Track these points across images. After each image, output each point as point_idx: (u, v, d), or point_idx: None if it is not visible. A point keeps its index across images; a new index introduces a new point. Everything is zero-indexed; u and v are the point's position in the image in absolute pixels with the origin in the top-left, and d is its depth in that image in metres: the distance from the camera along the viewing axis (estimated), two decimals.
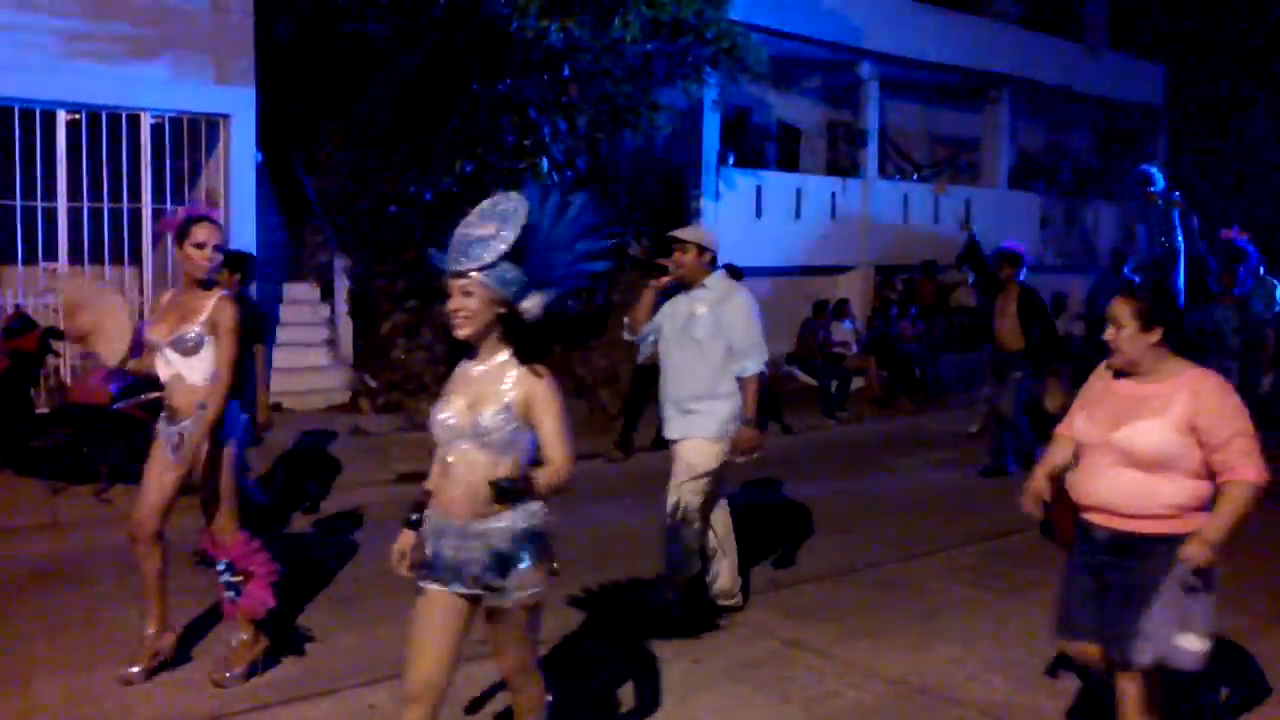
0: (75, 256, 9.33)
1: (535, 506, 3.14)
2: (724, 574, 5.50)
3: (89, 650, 4.86)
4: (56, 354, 7.98)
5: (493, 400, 3.08)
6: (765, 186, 14.34)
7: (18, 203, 9.07)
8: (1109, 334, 3.50)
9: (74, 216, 9.33)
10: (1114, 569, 3.48)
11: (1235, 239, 9.61)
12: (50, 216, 9.21)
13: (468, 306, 3.05)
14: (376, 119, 11.62)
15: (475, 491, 3.08)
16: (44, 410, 7.24)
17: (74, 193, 9.29)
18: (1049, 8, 18.87)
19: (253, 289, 6.57)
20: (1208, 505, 3.40)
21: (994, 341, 9.04)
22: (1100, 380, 3.64)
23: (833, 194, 15.12)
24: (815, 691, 4.63)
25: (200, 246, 4.43)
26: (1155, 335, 3.44)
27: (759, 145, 15.63)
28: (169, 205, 9.90)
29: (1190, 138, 20.53)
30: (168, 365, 4.44)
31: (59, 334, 7.71)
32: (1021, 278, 8.92)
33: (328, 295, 11.08)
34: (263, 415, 5.05)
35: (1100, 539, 3.51)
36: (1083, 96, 18.69)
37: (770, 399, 12.23)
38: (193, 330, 4.40)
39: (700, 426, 5.22)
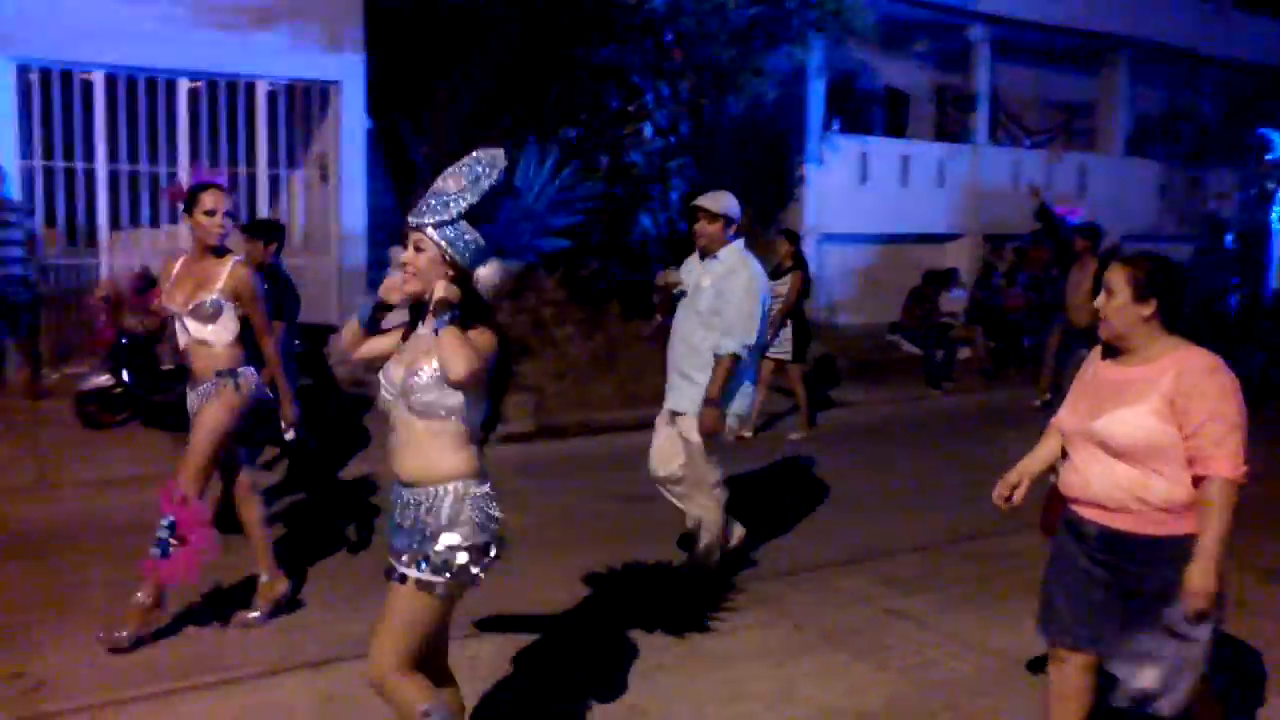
0: None
1: (474, 489, 2.95)
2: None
3: (200, 592, 5.08)
4: None
5: (426, 362, 2.89)
6: (870, 152, 14.11)
7: (144, 168, 9.43)
8: (1099, 300, 3.16)
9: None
10: (1107, 569, 3.17)
11: None
12: (172, 182, 9.55)
13: (415, 262, 2.90)
14: (482, 86, 11.73)
15: (404, 452, 2.95)
16: (169, 366, 7.53)
17: (193, 158, 9.62)
18: None
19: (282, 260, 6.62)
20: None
21: (1065, 314, 8.71)
22: (1091, 367, 3.31)
23: (940, 160, 14.80)
24: (913, 660, 4.61)
25: (210, 214, 4.46)
26: (1148, 308, 3.06)
27: (865, 111, 15.38)
28: (283, 170, 10.20)
29: None
30: (186, 333, 4.49)
31: None
32: (1100, 251, 8.55)
33: None
34: (284, 406, 4.94)
35: (1090, 534, 3.19)
36: (1207, 58, 17.90)
37: (873, 367, 12.11)
38: (210, 297, 4.45)
39: (695, 398, 5.11)
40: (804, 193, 13.50)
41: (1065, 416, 3.31)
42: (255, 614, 4.71)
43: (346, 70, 9.95)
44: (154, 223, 9.51)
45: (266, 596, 4.76)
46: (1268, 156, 10.69)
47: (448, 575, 2.90)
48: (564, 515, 6.68)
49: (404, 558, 2.93)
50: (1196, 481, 3.00)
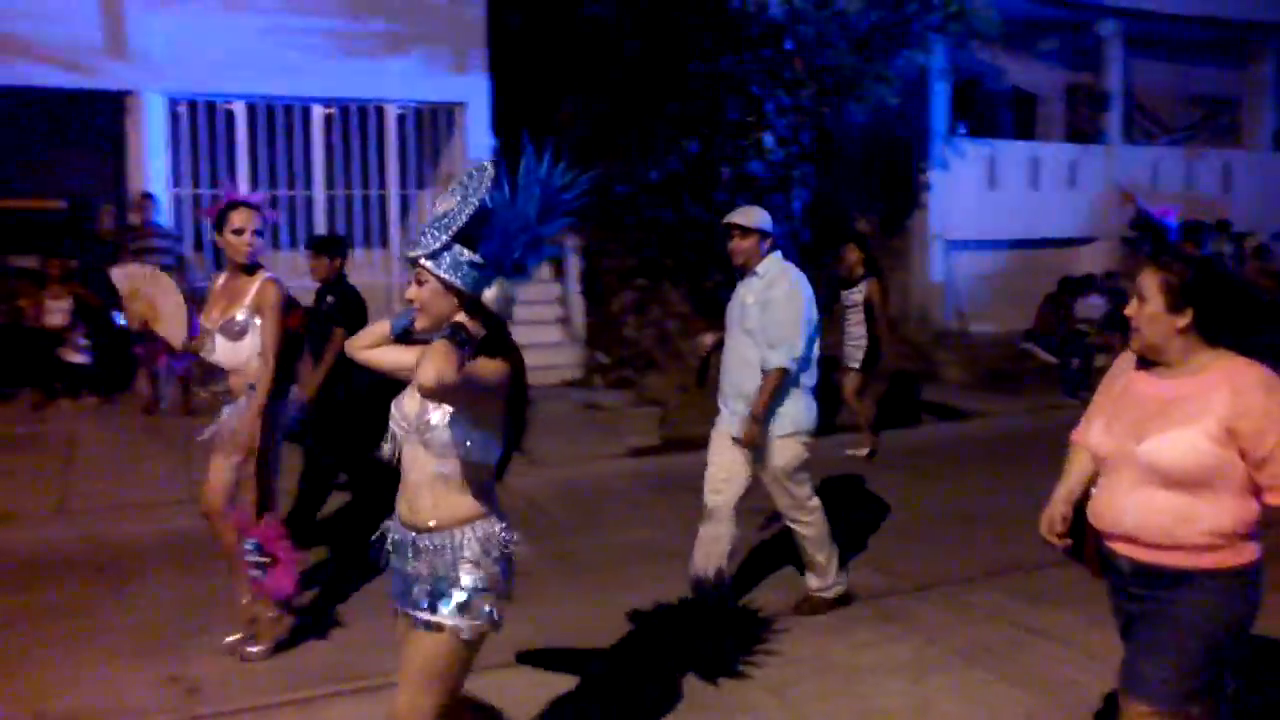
0: None
1: (494, 529, 2.83)
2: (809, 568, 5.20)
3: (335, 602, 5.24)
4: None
5: None
6: (998, 156, 13.77)
7: (282, 192, 9.83)
8: (1130, 309, 2.81)
9: (329, 204, 10.04)
10: (1141, 600, 2.86)
11: None
12: (309, 205, 9.94)
13: (419, 297, 2.76)
14: (603, 101, 11.88)
15: (417, 493, 2.83)
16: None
17: (328, 182, 9.98)
18: None
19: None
20: (1256, 531, 2.74)
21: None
22: (1122, 375, 2.95)
23: (1072, 161, 14.35)
24: (1053, 679, 4.47)
25: (238, 232, 4.48)
26: (1184, 318, 2.73)
27: (992, 113, 15.02)
28: (412, 190, 10.50)
29: None
30: (220, 352, 4.53)
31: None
32: (1207, 250, 8.07)
33: (560, 274, 11.45)
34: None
35: (1123, 569, 2.88)
36: None
37: (1005, 376, 11.80)
38: (240, 314, 4.49)
39: (770, 426, 4.88)
40: (929, 199, 13.25)
41: (1098, 436, 2.91)
42: (258, 648, 4.64)
43: (472, 91, 10.20)
44: (293, 245, 9.90)
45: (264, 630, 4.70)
46: None
47: (474, 620, 2.77)
48: (690, 528, 6.67)
49: (423, 604, 2.79)
50: (1267, 509, 2.72)
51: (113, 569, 5.87)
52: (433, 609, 2.77)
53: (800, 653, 4.67)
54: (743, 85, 10.93)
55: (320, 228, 9.95)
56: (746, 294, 4.97)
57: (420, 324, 2.77)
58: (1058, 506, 3.08)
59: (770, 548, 6.01)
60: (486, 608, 2.79)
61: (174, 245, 9.01)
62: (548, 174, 2.79)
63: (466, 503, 2.80)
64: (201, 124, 9.46)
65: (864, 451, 8.56)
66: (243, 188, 9.63)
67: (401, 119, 10.29)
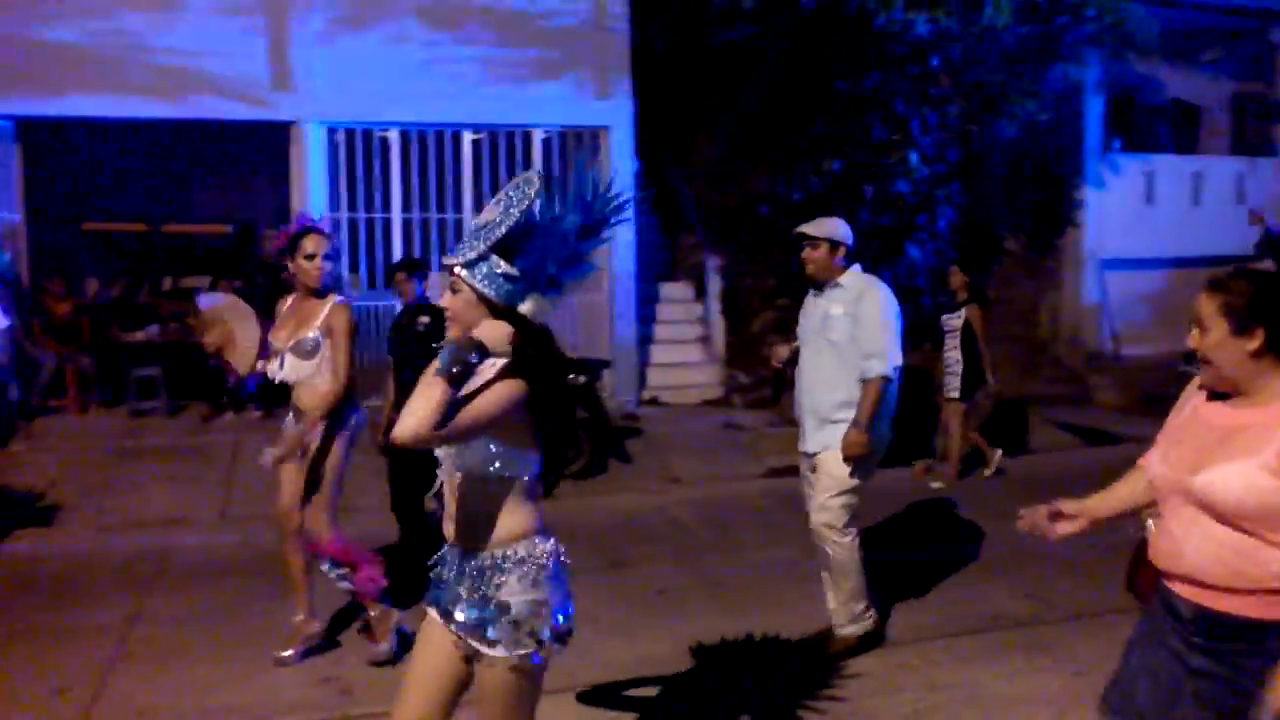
0: None
1: (537, 549, 2.69)
2: (832, 604, 4.94)
3: None
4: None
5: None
6: (1156, 171, 13.23)
7: (433, 216, 10.17)
8: (1192, 339, 2.55)
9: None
10: (1207, 655, 2.52)
11: None
12: (458, 226, 10.26)
13: (453, 306, 2.67)
14: (746, 122, 11.91)
15: (457, 513, 2.73)
16: None
17: (478, 204, 10.28)
18: None
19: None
20: None
21: None
22: (1190, 402, 2.67)
23: (1238, 175, 13.68)
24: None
25: (310, 258, 4.62)
26: (1254, 341, 2.45)
27: (1150, 127, 14.45)
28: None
29: None
30: (288, 369, 4.61)
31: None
32: None
33: (701, 294, 11.51)
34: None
35: (1185, 615, 2.56)
36: None
37: (1162, 399, 11.28)
38: (310, 334, 4.57)
39: (836, 438, 4.72)
40: (1083, 216, 12.82)
41: (1156, 464, 2.65)
42: (289, 653, 4.79)
43: (615, 115, 10.36)
44: (443, 267, 10.24)
45: (299, 636, 4.84)
46: None
47: (522, 648, 2.64)
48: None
49: (472, 629, 2.67)
50: None
51: (270, 572, 6.15)
52: (482, 638, 2.65)
53: (945, 680, 4.57)
54: (887, 104, 10.82)
55: None
56: (830, 305, 4.83)
57: (451, 333, 2.67)
58: (1071, 505, 2.81)
59: (925, 569, 5.90)
60: (533, 632, 2.65)
61: (333, 267, 9.42)
62: (594, 193, 2.71)
63: (505, 522, 2.67)
64: (359, 151, 9.88)
65: (938, 484, 8.27)
66: (395, 211, 10.06)
67: (546, 143, 10.54)
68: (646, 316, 10.94)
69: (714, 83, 11.94)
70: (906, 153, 10.80)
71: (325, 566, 4.63)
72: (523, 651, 2.63)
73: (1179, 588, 2.57)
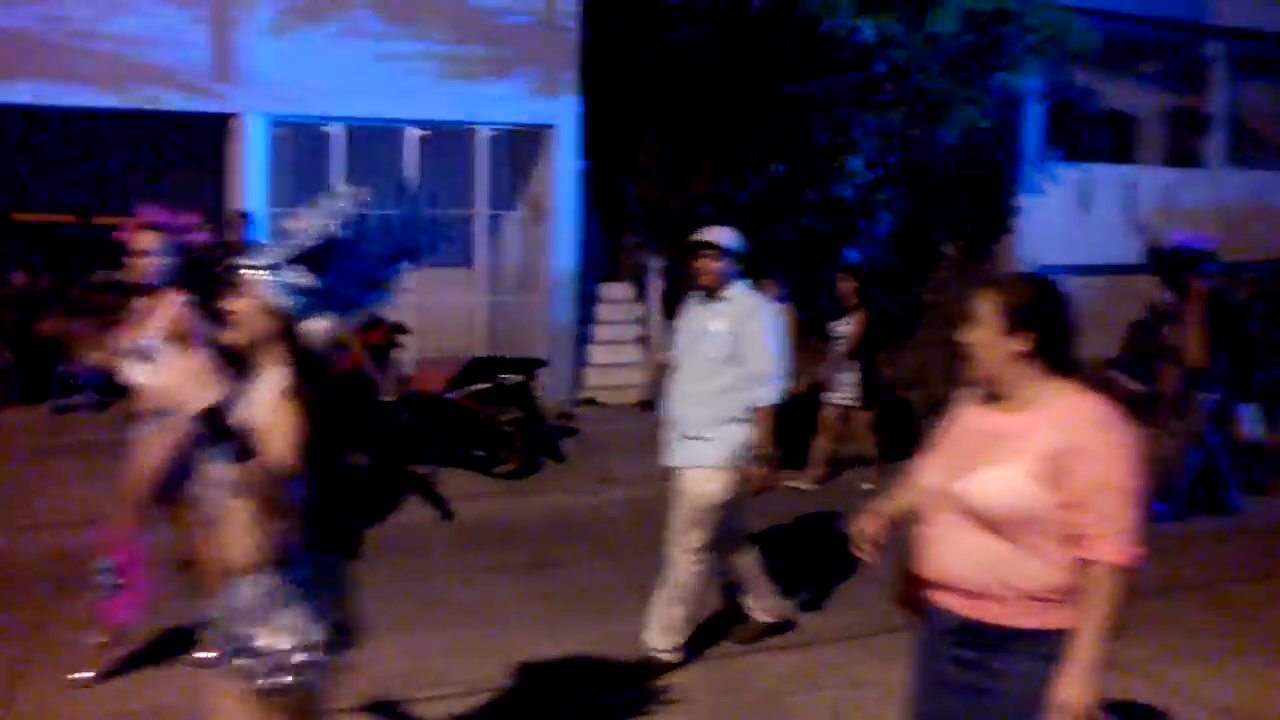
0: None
1: (286, 577, 2.56)
2: (755, 613, 5.00)
3: (417, 610, 5.35)
4: (401, 347, 8.82)
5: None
6: (1092, 180, 13.49)
7: (375, 212, 10.09)
8: (963, 334, 2.53)
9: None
10: (967, 668, 2.49)
11: None
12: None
13: (240, 309, 2.57)
14: (693, 123, 11.97)
15: (221, 538, 2.60)
16: (389, 398, 8.03)
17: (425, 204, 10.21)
18: None
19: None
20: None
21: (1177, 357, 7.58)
22: (963, 408, 2.65)
23: (1171, 185, 13.99)
24: (1131, 712, 4.36)
25: (141, 254, 4.41)
26: (1022, 343, 2.44)
27: (1087, 136, 14.72)
28: (500, 212, 10.71)
29: None
30: (132, 369, 4.33)
31: (403, 329, 8.54)
32: (1208, 278, 7.40)
33: (642, 296, 11.54)
34: None
35: (949, 625, 2.53)
36: None
37: None
38: (147, 337, 4.30)
39: (707, 454, 4.60)
40: (1020, 223, 13.04)
41: (924, 472, 2.62)
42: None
43: (561, 114, 10.36)
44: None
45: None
46: None
47: (273, 676, 2.54)
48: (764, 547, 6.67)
49: (228, 657, 2.60)
50: (1079, 564, 2.39)
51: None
52: (241, 671, 2.57)
53: (867, 677, 4.64)
54: (831, 108, 10.92)
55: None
56: (712, 319, 4.66)
57: (232, 338, 2.59)
58: (869, 520, 2.74)
59: (847, 569, 5.98)
60: (281, 661, 2.54)
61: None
62: (405, 216, 2.67)
63: (256, 546, 2.54)
64: (300, 146, 9.78)
65: (868, 485, 8.03)
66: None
67: (493, 141, 10.51)
68: (586, 317, 10.95)
69: (662, 83, 11.97)
70: (849, 157, 10.91)
71: (104, 564, 4.33)
72: (274, 679, 2.54)
73: (943, 597, 2.53)
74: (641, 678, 4.65)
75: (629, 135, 12.50)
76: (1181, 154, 14.94)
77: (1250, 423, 7.40)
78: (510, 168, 10.77)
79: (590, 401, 10.49)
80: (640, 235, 11.94)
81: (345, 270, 2.61)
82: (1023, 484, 2.38)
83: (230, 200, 9.65)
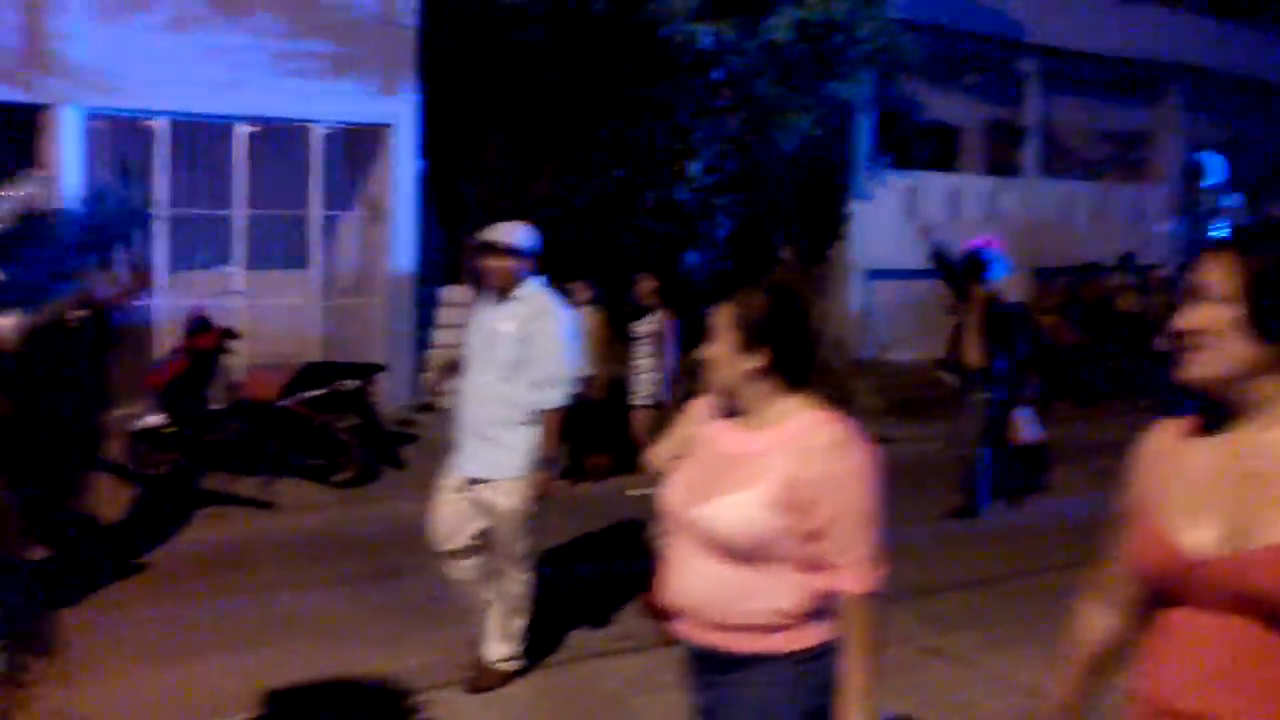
0: (250, 262, 9.92)
1: None
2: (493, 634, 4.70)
3: (251, 631, 5.18)
4: (232, 353, 8.51)
5: None
6: (919, 187, 14.09)
7: (202, 211, 9.70)
8: (701, 350, 2.42)
9: (250, 224, 9.94)
10: (707, 690, 2.45)
11: None
12: (229, 224, 9.82)
13: None
14: (535, 125, 11.93)
15: None
16: (219, 406, 7.73)
17: (250, 201, 9.88)
18: None
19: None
20: (824, 612, 2.32)
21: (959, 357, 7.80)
22: (701, 421, 2.50)
23: (991, 194, 14.74)
24: (954, 701, 4.56)
25: None
26: (758, 359, 2.31)
27: (915, 145, 15.36)
28: (336, 212, 10.44)
29: None
30: None
31: (234, 335, 8.24)
32: (992, 281, 7.60)
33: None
34: None
35: (692, 652, 2.45)
36: (1267, 84, 17.63)
37: (918, 403, 12.00)
38: None
39: (505, 465, 4.48)
40: (851, 228, 13.50)
41: (669, 493, 2.44)
42: None
43: (399, 113, 10.18)
44: (209, 265, 9.77)
45: None
46: (1203, 183, 9.92)
47: None
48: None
49: None
50: (822, 591, 2.29)
51: None
52: None
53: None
54: (670, 113, 11.06)
55: (239, 247, 9.83)
56: (502, 321, 4.51)
57: None
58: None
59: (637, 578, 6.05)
60: None
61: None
62: (99, 207, 2.46)
63: None
64: (120, 141, 9.30)
65: (637, 491, 7.83)
66: (161, 206, 9.53)
67: (328, 139, 10.23)
68: (426, 320, 10.78)
69: (504, 84, 11.90)
70: (687, 162, 11.08)
71: None
72: None
73: (684, 625, 2.41)
74: (484, 687, 4.60)
75: (471, 135, 12.38)
76: (1001, 164, 15.74)
77: (1028, 425, 7.73)
78: (347, 167, 10.51)
79: (430, 407, 10.32)
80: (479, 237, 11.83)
81: (38, 261, 2.32)
82: (759, 511, 2.25)
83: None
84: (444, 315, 11.23)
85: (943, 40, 13.59)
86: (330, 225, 10.51)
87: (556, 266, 11.15)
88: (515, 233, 4.57)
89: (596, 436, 8.52)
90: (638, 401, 8.48)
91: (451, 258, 12.21)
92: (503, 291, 4.54)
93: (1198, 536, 1.68)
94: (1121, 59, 15.69)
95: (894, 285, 13.87)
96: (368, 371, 8.42)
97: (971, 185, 14.75)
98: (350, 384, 8.04)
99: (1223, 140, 18.32)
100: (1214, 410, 1.75)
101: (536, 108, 11.75)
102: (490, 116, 12.19)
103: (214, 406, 7.74)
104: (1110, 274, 13.97)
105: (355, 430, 7.95)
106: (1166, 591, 1.74)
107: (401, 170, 10.33)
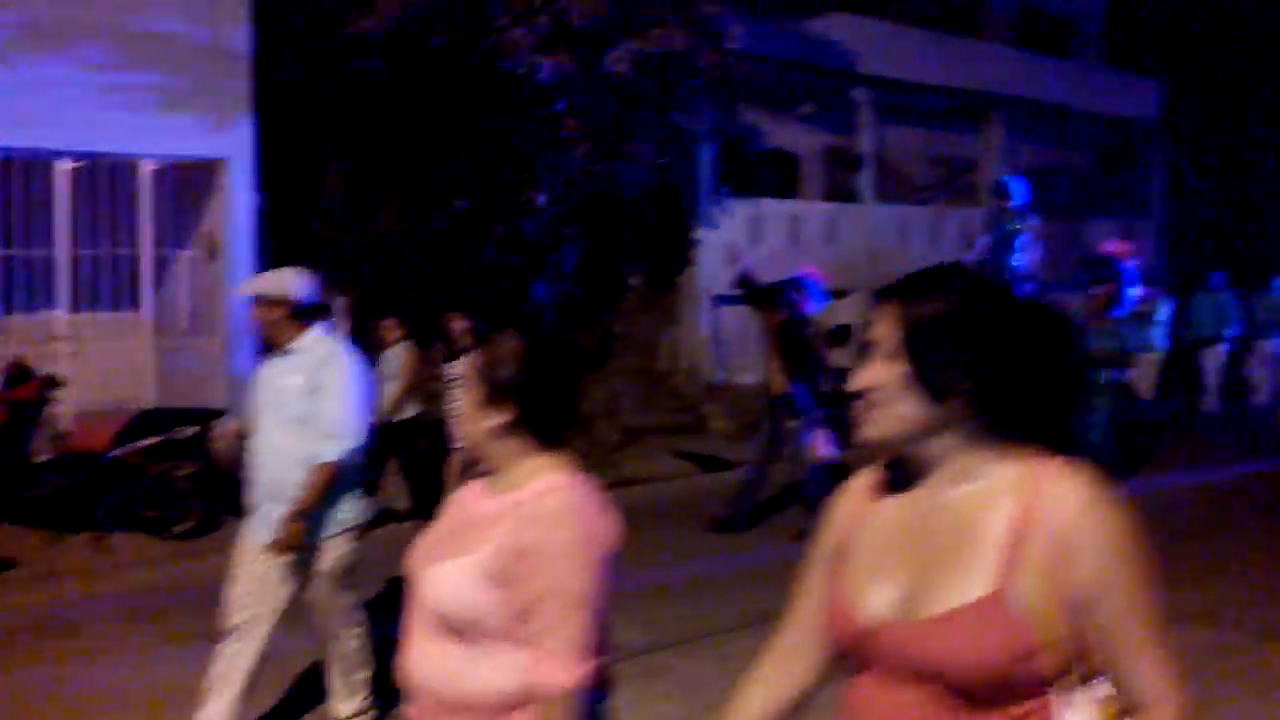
0: (76, 304, 9.45)
1: None
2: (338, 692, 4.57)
3: (84, 704, 4.90)
4: (56, 402, 8.09)
5: None
6: (761, 214, 14.44)
7: (20, 251, 9.20)
8: (454, 402, 2.33)
9: (75, 264, 9.47)
10: None
11: (1110, 254, 8.42)
12: (51, 265, 9.34)
13: None
14: (376, 159, 11.77)
15: None
16: (43, 459, 7.32)
17: (75, 240, 9.42)
18: (1044, 27, 18.98)
19: None
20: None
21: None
22: (470, 484, 2.30)
23: (829, 219, 15.21)
24: None
25: None
26: (501, 415, 2.10)
27: (756, 173, 15.74)
28: (169, 250, 10.04)
29: (1190, 151, 20.58)
30: None
31: (58, 383, 7.83)
32: (799, 308, 7.85)
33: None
34: None
35: None
36: (1079, 114, 18.77)
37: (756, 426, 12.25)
38: None
39: (319, 525, 4.25)
40: (698, 255, 13.74)
41: (408, 556, 2.20)
42: None
43: (234, 147, 9.86)
44: (30, 309, 9.27)
45: None
46: (1009, 204, 10.51)
47: None
48: None
49: None
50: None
51: None
52: None
53: None
54: (515, 144, 11.06)
55: (63, 288, 9.36)
56: (282, 374, 4.25)
57: None
58: None
59: None
60: None
61: None
62: None
63: None
64: None
65: None
66: None
67: (158, 174, 9.85)
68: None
69: (345, 116, 11.69)
70: (533, 193, 11.09)
71: None
72: None
73: (412, 707, 2.15)
74: None
75: (311, 169, 12.12)
76: (839, 190, 16.27)
77: (826, 444, 7.93)
78: (180, 203, 10.12)
79: None
80: (323, 271, 11.57)
81: None
82: (470, 581, 2.02)
83: None
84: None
85: (780, 71, 14.00)
86: (163, 264, 10.10)
87: (401, 302, 11.08)
88: (280, 282, 4.32)
89: (423, 478, 8.36)
90: (454, 445, 8.09)
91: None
92: (278, 344, 4.28)
93: (876, 601, 1.60)
94: (946, 89, 16.46)
95: (740, 310, 14.16)
96: (207, 417, 8.10)
97: (811, 211, 15.20)
98: (188, 431, 7.72)
99: (1040, 166, 19.42)
100: (901, 466, 1.67)
101: (379, 140, 11.60)
102: (331, 149, 11.97)
103: (40, 459, 7.32)
104: None
105: (194, 478, 7.64)
106: (851, 657, 1.66)
107: (238, 205, 10.01)
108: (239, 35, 9.79)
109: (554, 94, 10.93)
